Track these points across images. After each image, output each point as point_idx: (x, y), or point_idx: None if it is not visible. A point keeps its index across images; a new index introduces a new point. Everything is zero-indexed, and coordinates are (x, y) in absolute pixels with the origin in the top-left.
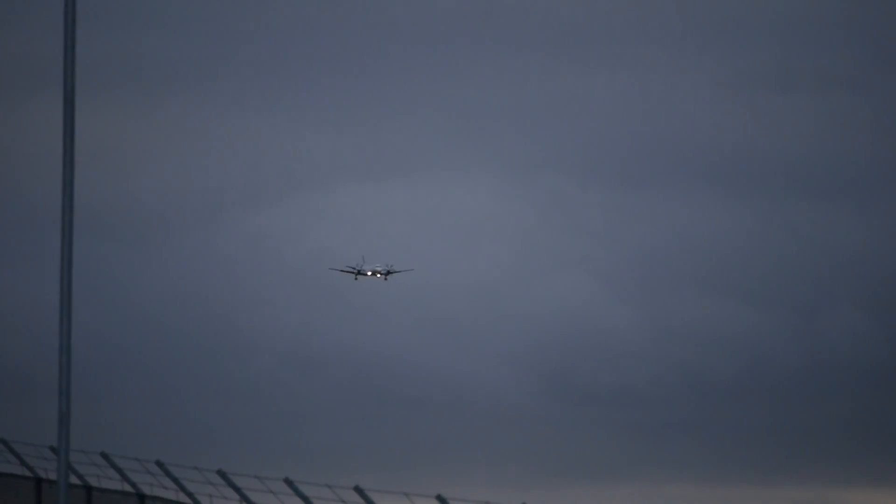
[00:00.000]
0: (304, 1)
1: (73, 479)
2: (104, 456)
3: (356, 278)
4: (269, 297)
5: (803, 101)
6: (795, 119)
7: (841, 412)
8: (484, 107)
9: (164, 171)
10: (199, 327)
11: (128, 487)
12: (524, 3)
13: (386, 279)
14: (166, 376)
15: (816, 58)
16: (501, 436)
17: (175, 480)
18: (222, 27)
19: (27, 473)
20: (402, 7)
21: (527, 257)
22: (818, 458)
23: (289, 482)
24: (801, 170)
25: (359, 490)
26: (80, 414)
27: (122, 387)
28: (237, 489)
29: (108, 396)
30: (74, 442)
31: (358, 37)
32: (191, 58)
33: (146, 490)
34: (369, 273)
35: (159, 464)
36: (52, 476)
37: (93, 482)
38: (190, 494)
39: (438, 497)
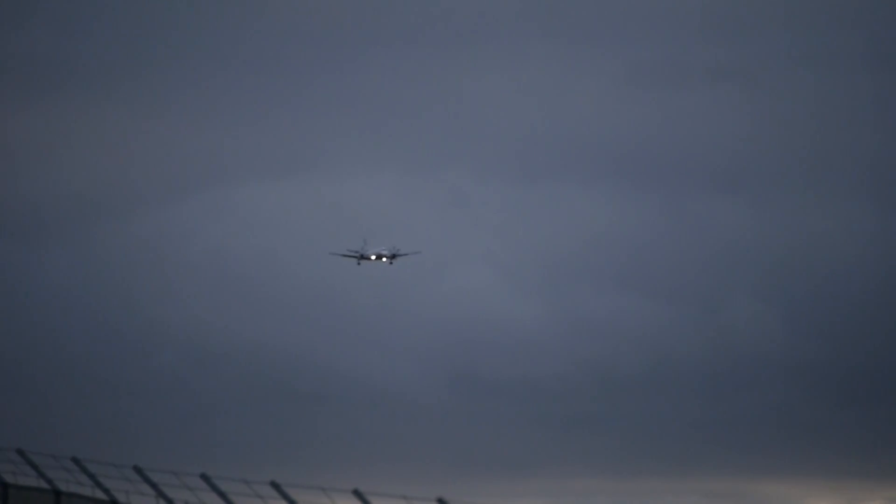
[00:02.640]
0: (205, 1)
1: None
2: (20, 453)
3: (359, 263)
4: (173, 294)
5: (697, 95)
6: (690, 113)
7: (747, 404)
8: (384, 104)
9: (64, 170)
10: (106, 324)
11: (44, 484)
12: (424, 1)
13: (391, 263)
14: (78, 373)
15: (708, 52)
16: (412, 431)
17: (91, 477)
18: (123, 26)
19: None
20: (302, 6)
21: (429, 253)
22: (729, 449)
23: (205, 478)
24: (698, 163)
25: (275, 485)
26: None
27: (35, 384)
28: (154, 485)
29: (23, 393)
30: None
31: (258, 36)
32: (92, 57)
33: (62, 487)
34: (373, 257)
35: (75, 460)
36: None
37: (8, 479)
38: (106, 491)
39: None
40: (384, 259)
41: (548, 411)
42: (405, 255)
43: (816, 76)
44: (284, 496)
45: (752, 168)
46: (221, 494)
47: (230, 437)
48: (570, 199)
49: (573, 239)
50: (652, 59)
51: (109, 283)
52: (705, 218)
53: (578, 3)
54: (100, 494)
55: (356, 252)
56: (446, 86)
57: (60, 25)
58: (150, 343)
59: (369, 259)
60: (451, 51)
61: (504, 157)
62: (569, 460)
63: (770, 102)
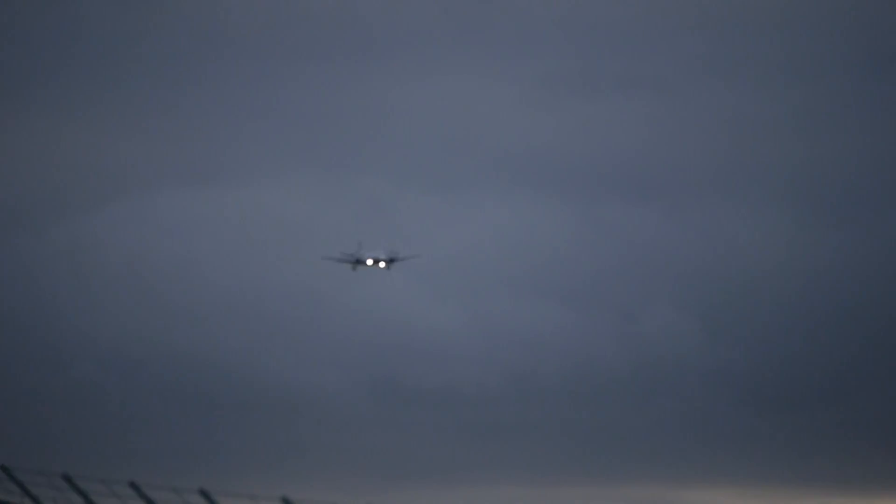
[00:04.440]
0: (120, 7)
1: None
2: None
3: (354, 269)
4: (92, 303)
5: (610, 104)
6: (604, 121)
7: (667, 411)
8: (300, 111)
9: None
10: (24, 333)
11: None
12: (340, 9)
13: (389, 268)
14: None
15: (619, 62)
16: (337, 438)
17: (20, 485)
18: (33, 32)
19: None
20: (219, 13)
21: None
22: (652, 457)
23: (134, 486)
24: (614, 172)
25: (204, 493)
26: None
27: None
28: (83, 493)
29: None
30: None
31: (172, 43)
32: (3, 63)
33: None
34: (369, 262)
35: (3, 468)
36: None
37: None
38: (35, 499)
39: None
40: (381, 264)
41: (470, 419)
42: (404, 258)
43: (729, 85)
44: (213, 503)
45: (667, 176)
46: (150, 502)
47: (157, 446)
48: (487, 207)
49: (491, 246)
50: (564, 67)
51: (27, 292)
52: (621, 226)
53: (492, 12)
54: (28, 503)
55: (351, 256)
56: (363, 93)
57: None
58: (70, 352)
59: (365, 264)
60: (366, 58)
61: (420, 165)
62: (492, 468)
63: (683, 111)
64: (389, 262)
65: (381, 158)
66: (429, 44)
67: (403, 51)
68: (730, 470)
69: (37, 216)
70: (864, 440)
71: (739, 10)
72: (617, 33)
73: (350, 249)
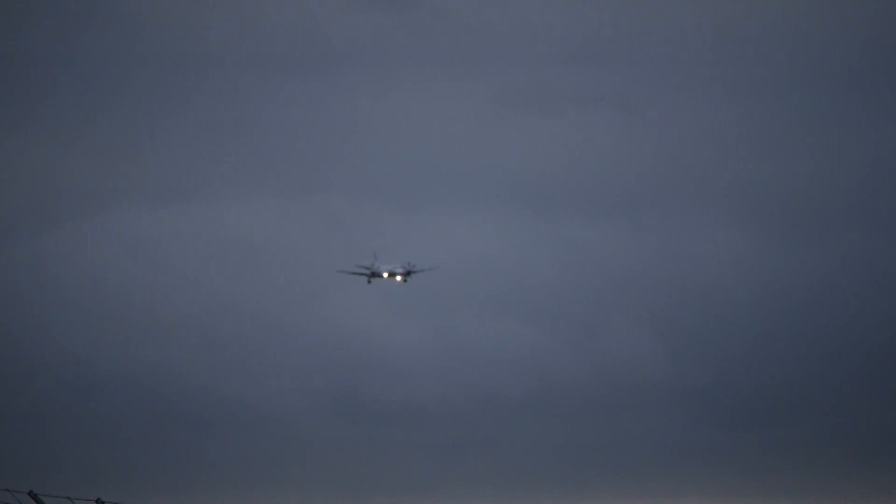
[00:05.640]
0: (77, 27)
1: None
2: None
3: (369, 281)
4: (49, 321)
5: (570, 121)
6: (565, 138)
7: (630, 428)
8: (260, 130)
9: None
10: None
11: None
12: (296, 27)
13: (406, 280)
14: None
15: (579, 79)
16: (297, 455)
17: None
18: None
19: None
20: (177, 32)
21: (308, 277)
22: (614, 473)
23: (100, 503)
24: (575, 189)
25: None
26: None
27: None
28: None
29: None
30: None
31: (132, 62)
32: None
33: None
34: (385, 274)
35: None
36: None
37: None
38: None
39: None
40: (398, 277)
41: (434, 436)
42: (421, 270)
43: (690, 101)
44: None
45: (630, 193)
46: None
47: (121, 463)
48: (448, 224)
49: (454, 264)
50: (523, 84)
51: None
52: (585, 244)
53: (451, 30)
54: None
55: (366, 269)
56: (322, 111)
57: None
58: (30, 371)
59: (381, 276)
60: (325, 77)
61: (381, 182)
62: (456, 484)
63: (644, 128)
64: (406, 274)
65: (341, 176)
66: (389, 62)
67: (364, 69)
68: (693, 485)
69: None
70: (827, 455)
71: (698, 29)
72: (575, 51)
73: (366, 262)
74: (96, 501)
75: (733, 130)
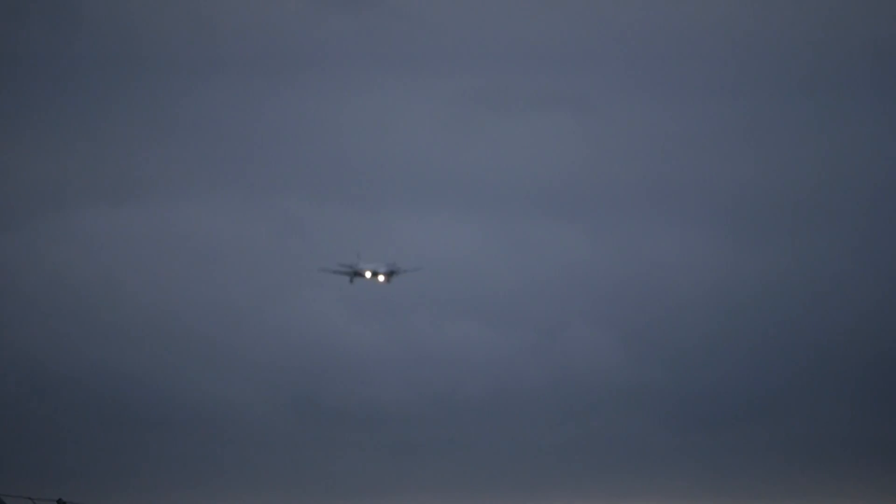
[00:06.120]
0: (34, 26)
1: None
2: None
3: (351, 281)
4: (6, 320)
5: (529, 121)
6: (524, 138)
7: (589, 429)
8: (218, 129)
9: None
10: None
11: None
12: (254, 27)
13: (389, 281)
14: None
15: (538, 78)
16: (256, 456)
17: None
18: None
19: None
20: (135, 33)
21: (268, 278)
22: (573, 475)
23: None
24: (535, 190)
25: None
26: None
27: None
28: None
29: None
30: None
31: (91, 60)
32: None
33: None
34: (368, 274)
35: None
36: None
37: None
38: None
39: None
40: (381, 277)
41: (392, 437)
42: (405, 271)
43: (650, 101)
44: None
45: (588, 194)
46: None
47: (82, 464)
48: (405, 225)
49: (411, 264)
50: (482, 85)
51: None
52: (542, 244)
53: (410, 29)
54: None
55: (348, 267)
56: (280, 112)
57: None
58: None
59: (364, 276)
60: (284, 77)
61: (339, 183)
62: (413, 487)
63: (603, 128)
64: (389, 274)
65: (299, 176)
66: (347, 62)
67: (321, 69)
68: (652, 488)
69: None
70: (787, 459)
71: (660, 27)
72: (536, 52)
73: (348, 260)
74: (57, 502)
75: (692, 132)
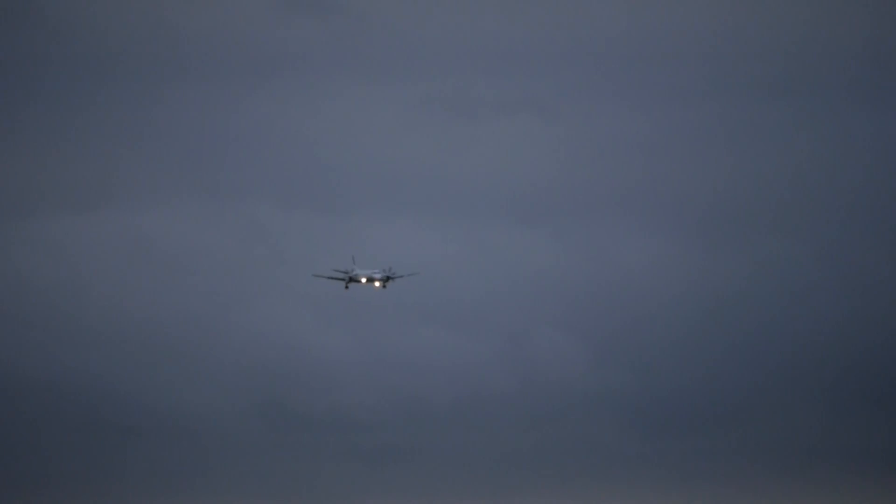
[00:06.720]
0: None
1: None
2: None
3: (347, 287)
4: None
5: (492, 126)
6: (487, 143)
7: (556, 435)
8: (183, 136)
9: None
10: None
11: None
12: (218, 31)
13: (385, 286)
14: None
15: (500, 84)
16: (222, 462)
17: None
18: None
19: None
20: (97, 36)
21: (233, 284)
22: (540, 481)
23: None
24: (499, 195)
25: None
26: None
27: None
28: None
29: None
30: None
31: (56, 64)
32: None
33: None
34: (364, 280)
35: None
36: None
37: None
38: None
39: None
40: (376, 283)
41: (359, 443)
42: (400, 276)
43: (615, 107)
44: None
45: (557, 200)
46: None
47: (46, 471)
48: (370, 230)
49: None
50: (445, 90)
51: None
52: (507, 249)
53: (373, 35)
54: None
55: (344, 273)
56: (245, 118)
57: None
58: None
59: (359, 282)
60: (250, 83)
61: (304, 188)
62: (380, 492)
63: (567, 134)
64: (385, 280)
65: (263, 182)
66: (313, 68)
67: (288, 76)
68: (619, 492)
69: None
70: (754, 464)
71: (619, 35)
72: (498, 57)
73: (344, 266)
74: None
75: (656, 136)
